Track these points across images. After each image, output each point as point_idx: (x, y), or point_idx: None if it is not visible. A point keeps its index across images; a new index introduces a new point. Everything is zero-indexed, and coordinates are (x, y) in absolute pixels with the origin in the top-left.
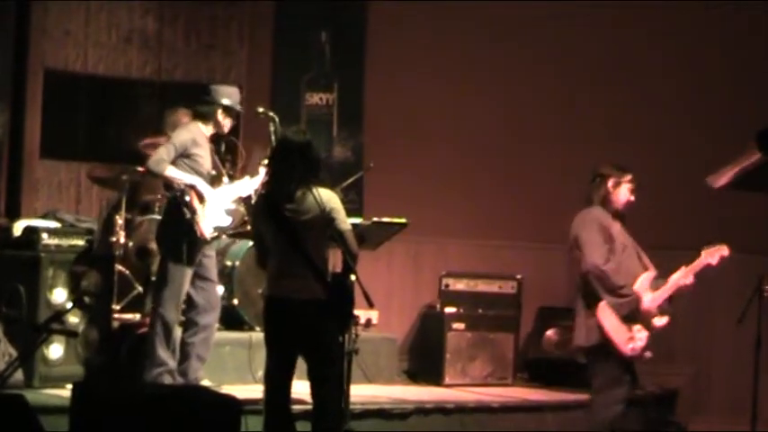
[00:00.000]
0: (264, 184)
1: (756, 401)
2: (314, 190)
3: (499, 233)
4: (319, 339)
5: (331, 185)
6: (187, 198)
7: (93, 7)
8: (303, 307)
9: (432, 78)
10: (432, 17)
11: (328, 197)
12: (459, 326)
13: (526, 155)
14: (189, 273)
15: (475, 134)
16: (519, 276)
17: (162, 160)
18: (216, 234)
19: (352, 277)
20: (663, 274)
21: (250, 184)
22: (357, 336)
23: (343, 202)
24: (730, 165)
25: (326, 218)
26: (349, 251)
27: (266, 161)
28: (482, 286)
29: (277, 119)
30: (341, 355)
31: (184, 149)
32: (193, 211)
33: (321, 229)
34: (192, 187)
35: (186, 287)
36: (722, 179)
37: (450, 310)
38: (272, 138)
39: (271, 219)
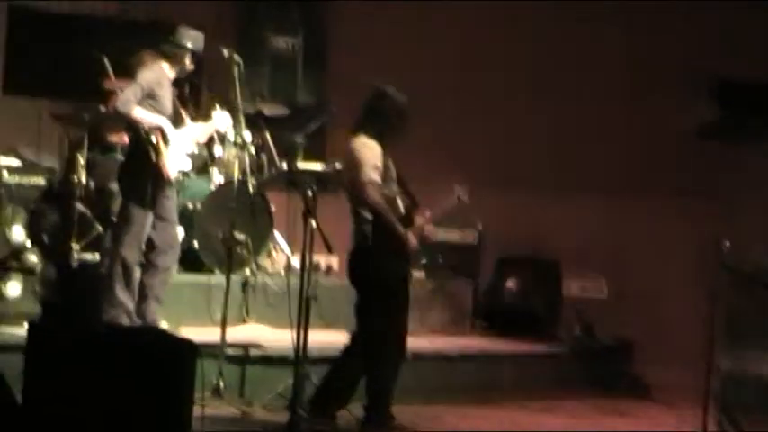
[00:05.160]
0: None
1: (713, 356)
2: None
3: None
4: None
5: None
6: (153, 139)
7: None
8: None
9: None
10: None
11: None
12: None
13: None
14: (150, 214)
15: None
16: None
17: (129, 101)
18: (178, 176)
19: (313, 223)
20: None
21: (206, 129)
22: (317, 282)
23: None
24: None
25: None
26: None
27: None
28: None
29: (241, 62)
30: None
31: (150, 90)
32: (159, 153)
33: None
34: (159, 129)
35: (148, 229)
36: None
37: None
38: (236, 81)
39: None
